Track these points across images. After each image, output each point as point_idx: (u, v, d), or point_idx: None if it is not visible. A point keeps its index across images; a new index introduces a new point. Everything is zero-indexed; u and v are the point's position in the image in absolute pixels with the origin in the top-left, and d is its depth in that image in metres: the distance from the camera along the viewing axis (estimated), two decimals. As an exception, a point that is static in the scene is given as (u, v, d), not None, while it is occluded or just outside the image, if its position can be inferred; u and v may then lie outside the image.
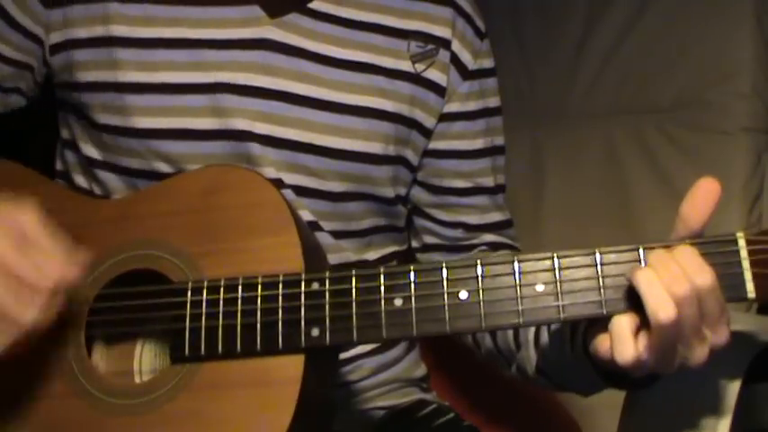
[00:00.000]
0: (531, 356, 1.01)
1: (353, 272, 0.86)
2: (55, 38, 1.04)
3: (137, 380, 0.96)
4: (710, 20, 1.65)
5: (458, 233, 1.16)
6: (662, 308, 0.77)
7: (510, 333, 1.05)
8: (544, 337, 0.99)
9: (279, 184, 1.01)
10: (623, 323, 0.80)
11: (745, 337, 1.02)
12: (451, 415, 1.19)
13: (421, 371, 1.21)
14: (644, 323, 0.80)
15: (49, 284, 0.80)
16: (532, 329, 1.01)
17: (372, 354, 1.12)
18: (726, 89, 1.63)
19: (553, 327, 0.97)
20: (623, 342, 0.80)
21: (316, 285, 0.86)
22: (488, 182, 1.16)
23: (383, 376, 1.14)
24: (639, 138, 1.69)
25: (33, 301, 0.80)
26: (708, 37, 1.65)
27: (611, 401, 1.05)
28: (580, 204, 1.69)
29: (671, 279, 0.78)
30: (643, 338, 0.80)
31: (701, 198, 0.81)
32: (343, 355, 1.09)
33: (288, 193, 1.03)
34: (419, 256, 1.19)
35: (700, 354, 0.80)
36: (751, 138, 1.61)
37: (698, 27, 1.66)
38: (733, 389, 0.95)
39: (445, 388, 1.32)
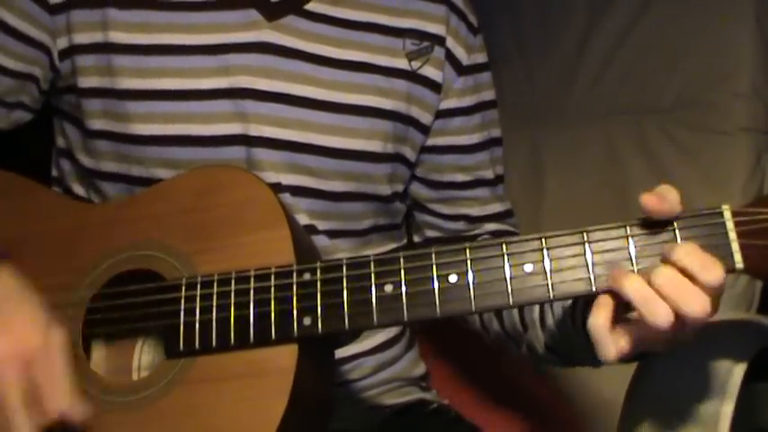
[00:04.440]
0: (538, 335, 1.02)
1: (344, 261, 0.87)
2: (61, 43, 1.04)
3: (136, 377, 0.96)
4: (710, 20, 1.65)
5: (459, 225, 1.16)
6: (661, 317, 0.77)
7: (516, 315, 1.05)
8: (549, 316, 1.00)
9: (277, 187, 1.01)
10: (599, 323, 0.80)
11: (745, 336, 1.01)
12: (452, 414, 1.19)
13: (420, 370, 1.21)
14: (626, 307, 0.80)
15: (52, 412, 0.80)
16: (536, 309, 1.02)
17: (372, 352, 1.13)
18: (726, 89, 1.63)
19: (557, 304, 0.97)
20: (602, 343, 0.80)
21: (307, 276, 0.87)
22: (488, 174, 1.17)
23: (383, 375, 1.14)
24: (639, 138, 1.69)
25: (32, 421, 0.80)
26: (708, 37, 1.65)
27: (611, 401, 1.05)
28: (580, 204, 1.68)
29: (685, 301, 0.77)
30: (625, 334, 0.80)
31: (652, 212, 0.81)
32: (343, 354, 1.09)
33: (285, 196, 1.03)
34: None
35: (693, 334, 0.80)
36: (751, 138, 1.61)
37: (698, 27, 1.66)
38: (733, 388, 0.95)
39: (445, 387, 1.32)
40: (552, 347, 1.02)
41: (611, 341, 0.80)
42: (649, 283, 0.78)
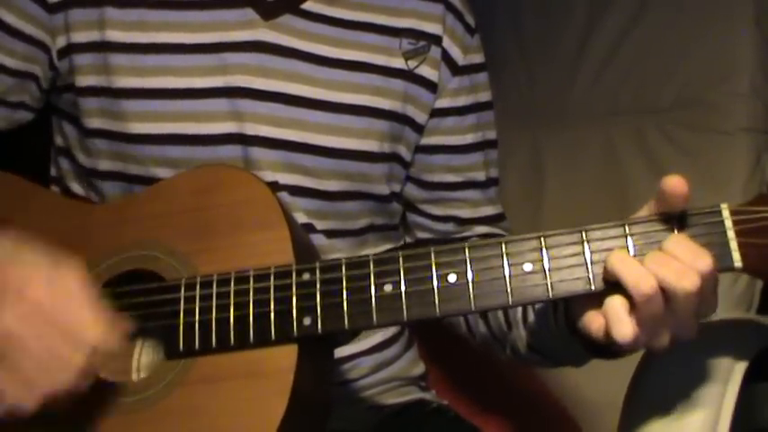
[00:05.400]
0: (521, 335, 1.02)
1: (343, 260, 0.87)
2: (60, 42, 1.04)
3: (135, 377, 0.96)
4: (710, 20, 1.66)
5: (449, 227, 1.16)
6: (642, 280, 0.78)
7: (501, 315, 1.05)
8: (531, 314, 1.00)
9: (274, 186, 1.01)
10: (617, 303, 0.80)
11: (745, 336, 1.01)
12: (451, 414, 1.19)
13: (419, 369, 1.21)
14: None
15: (61, 382, 0.79)
16: (520, 308, 1.02)
17: (370, 352, 1.13)
18: (726, 89, 1.63)
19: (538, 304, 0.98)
20: (621, 321, 0.80)
21: (306, 276, 0.87)
22: (480, 176, 1.16)
23: (381, 375, 1.14)
24: (639, 138, 1.70)
25: (67, 366, 0.79)
26: (708, 37, 1.66)
27: (611, 401, 1.05)
28: (580, 204, 1.69)
29: (675, 277, 0.78)
30: (633, 315, 0.80)
31: (670, 197, 0.81)
32: (341, 354, 1.09)
33: (283, 195, 1.03)
34: None
35: (692, 329, 0.81)
36: (751, 138, 1.61)
37: (698, 27, 1.66)
38: (733, 388, 0.95)
39: (444, 387, 1.32)
40: (534, 347, 1.02)
41: (629, 320, 0.80)
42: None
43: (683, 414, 0.94)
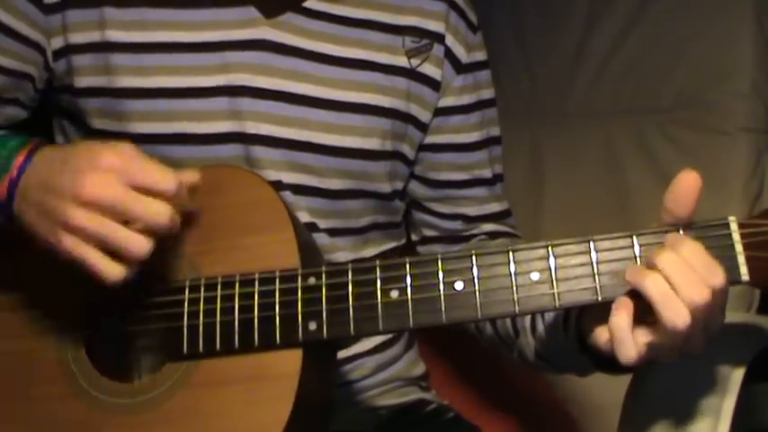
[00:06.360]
0: (529, 343, 1.02)
1: (349, 265, 0.87)
2: (56, 43, 1.04)
3: (137, 379, 0.96)
4: (710, 20, 1.66)
5: (457, 225, 1.16)
6: (680, 318, 0.77)
7: (508, 322, 1.05)
8: (540, 323, 1.00)
9: (278, 185, 1.01)
10: (621, 324, 0.80)
11: (745, 336, 1.02)
12: (451, 414, 1.19)
13: (420, 369, 1.21)
14: (643, 311, 0.80)
15: (160, 219, 0.84)
16: (528, 316, 1.02)
17: (371, 353, 1.13)
18: (726, 89, 1.63)
19: (548, 314, 0.98)
20: (624, 343, 0.80)
21: (312, 280, 0.87)
22: (486, 173, 1.17)
23: (382, 375, 1.15)
24: (639, 138, 1.70)
25: (146, 236, 0.84)
26: (708, 37, 1.65)
27: (611, 401, 1.05)
28: (580, 204, 1.69)
29: (686, 285, 0.77)
30: (644, 336, 0.80)
31: (683, 192, 0.81)
32: (342, 354, 1.09)
33: (287, 194, 1.03)
34: (419, 248, 1.20)
35: (702, 342, 0.81)
36: (751, 138, 1.61)
37: (698, 27, 1.66)
38: (733, 388, 0.95)
39: (445, 387, 1.32)
40: (542, 355, 1.02)
41: (633, 343, 0.80)
42: (655, 267, 0.79)
43: (682, 414, 0.94)
